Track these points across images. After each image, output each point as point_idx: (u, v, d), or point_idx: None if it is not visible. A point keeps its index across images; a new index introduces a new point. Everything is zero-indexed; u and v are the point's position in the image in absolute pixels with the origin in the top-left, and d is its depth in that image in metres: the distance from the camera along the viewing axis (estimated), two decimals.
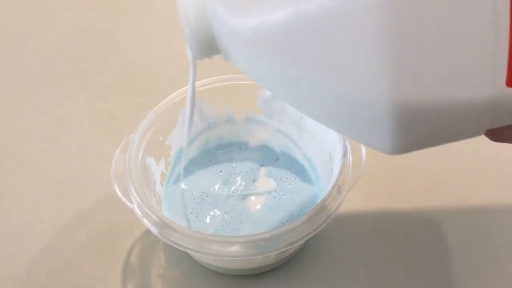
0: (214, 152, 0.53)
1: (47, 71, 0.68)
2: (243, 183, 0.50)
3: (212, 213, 0.48)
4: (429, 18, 0.25)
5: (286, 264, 0.47)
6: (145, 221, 0.41)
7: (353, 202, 0.50)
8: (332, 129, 0.32)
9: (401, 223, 0.51)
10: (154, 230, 0.41)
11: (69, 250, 0.49)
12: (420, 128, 0.28)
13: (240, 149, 0.53)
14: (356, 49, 0.26)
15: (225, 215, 0.48)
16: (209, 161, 0.53)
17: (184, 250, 0.41)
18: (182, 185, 0.50)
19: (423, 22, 0.25)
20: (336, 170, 0.43)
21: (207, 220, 0.47)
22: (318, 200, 0.42)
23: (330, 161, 0.47)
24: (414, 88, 0.26)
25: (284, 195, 0.49)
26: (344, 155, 0.44)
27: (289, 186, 0.50)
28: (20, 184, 0.55)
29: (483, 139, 0.54)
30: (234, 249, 0.40)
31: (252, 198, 0.49)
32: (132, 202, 0.42)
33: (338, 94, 0.28)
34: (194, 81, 0.41)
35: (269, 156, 0.53)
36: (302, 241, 0.40)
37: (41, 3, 0.79)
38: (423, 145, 0.29)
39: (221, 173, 0.51)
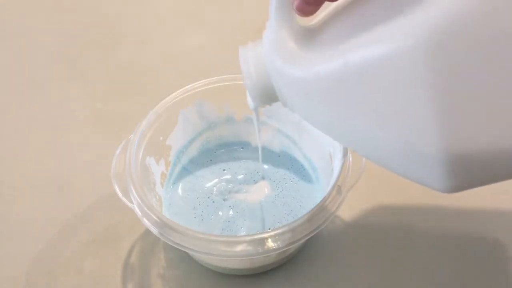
0: (215, 152, 0.53)
1: (47, 71, 0.68)
2: (245, 181, 0.50)
3: (214, 211, 0.48)
4: (477, 67, 0.26)
5: (286, 264, 0.47)
6: (145, 221, 0.41)
7: (353, 202, 0.50)
8: (388, 170, 0.33)
9: (401, 223, 0.51)
10: (154, 230, 0.41)
11: (69, 250, 0.49)
12: (470, 171, 0.29)
13: (242, 148, 0.53)
14: (405, 97, 0.27)
15: (229, 213, 0.48)
16: (210, 160, 0.53)
17: (184, 250, 0.41)
18: (182, 185, 0.51)
19: (470, 71, 0.26)
20: (336, 170, 0.43)
21: (210, 219, 0.47)
22: (318, 200, 0.42)
23: (330, 161, 0.47)
24: (464, 134, 0.27)
25: (282, 191, 0.49)
26: (344, 155, 0.44)
27: (287, 185, 0.50)
28: (20, 184, 0.55)
29: None
30: (234, 249, 0.40)
31: (254, 196, 0.49)
32: (132, 202, 0.42)
33: (391, 139, 0.30)
34: (260, 130, 0.46)
35: (270, 156, 0.53)
36: (302, 241, 0.40)
37: (41, 3, 0.79)
38: (474, 185, 0.31)
39: (224, 171, 0.52)
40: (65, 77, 0.67)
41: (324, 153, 0.48)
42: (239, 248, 0.40)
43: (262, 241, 0.39)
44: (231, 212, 0.48)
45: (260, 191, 0.49)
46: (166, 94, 0.49)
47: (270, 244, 0.39)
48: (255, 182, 0.50)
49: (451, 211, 0.51)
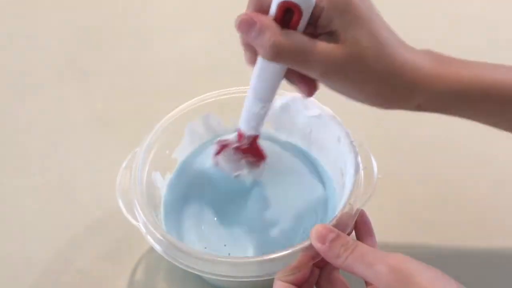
0: None
1: (47, 71, 0.68)
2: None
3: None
4: None
5: None
6: (150, 239, 0.40)
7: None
8: None
9: (401, 223, 0.51)
10: (158, 248, 0.39)
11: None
12: None
13: None
14: None
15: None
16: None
17: (188, 270, 0.39)
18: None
19: None
20: (348, 187, 0.42)
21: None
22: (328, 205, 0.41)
23: (341, 175, 0.46)
24: None
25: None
26: (356, 171, 0.42)
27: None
28: (19, 184, 0.55)
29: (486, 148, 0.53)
30: (239, 270, 0.38)
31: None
32: (136, 219, 0.41)
33: None
34: None
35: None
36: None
37: (42, 3, 0.78)
38: None
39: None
40: (65, 77, 0.67)
41: (335, 167, 0.47)
42: (245, 269, 0.38)
43: (268, 263, 0.38)
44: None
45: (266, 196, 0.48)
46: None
47: (278, 265, 0.38)
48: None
49: (452, 212, 0.52)
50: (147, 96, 0.62)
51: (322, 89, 0.40)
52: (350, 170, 0.43)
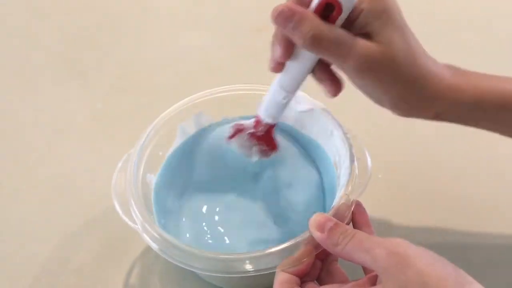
0: None
1: (47, 71, 0.68)
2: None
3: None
4: None
5: None
6: (146, 238, 0.40)
7: None
8: None
9: (401, 223, 0.50)
10: (154, 247, 0.40)
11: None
12: None
13: None
14: None
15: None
16: None
17: (185, 267, 0.39)
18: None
19: None
20: (344, 178, 0.42)
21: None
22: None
23: (335, 167, 0.46)
24: None
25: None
26: (351, 162, 0.42)
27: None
28: (18, 186, 0.55)
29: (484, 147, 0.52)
30: (236, 266, 0.38)
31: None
32: (133, 220, 0.41)
33: None
34: None
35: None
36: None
37: (42, 4, 0.78)
38: None
39: None
40: (65, 77, 0.67)
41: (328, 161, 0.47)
42: (240, 265, 0.38)
43: (265, 258, 0.38)
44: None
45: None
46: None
47: (277, 259, 0.38)
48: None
49: (451, 211, 0.51)
50: (147, 96, 0.62)
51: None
52: (345, 162, 0.43)
